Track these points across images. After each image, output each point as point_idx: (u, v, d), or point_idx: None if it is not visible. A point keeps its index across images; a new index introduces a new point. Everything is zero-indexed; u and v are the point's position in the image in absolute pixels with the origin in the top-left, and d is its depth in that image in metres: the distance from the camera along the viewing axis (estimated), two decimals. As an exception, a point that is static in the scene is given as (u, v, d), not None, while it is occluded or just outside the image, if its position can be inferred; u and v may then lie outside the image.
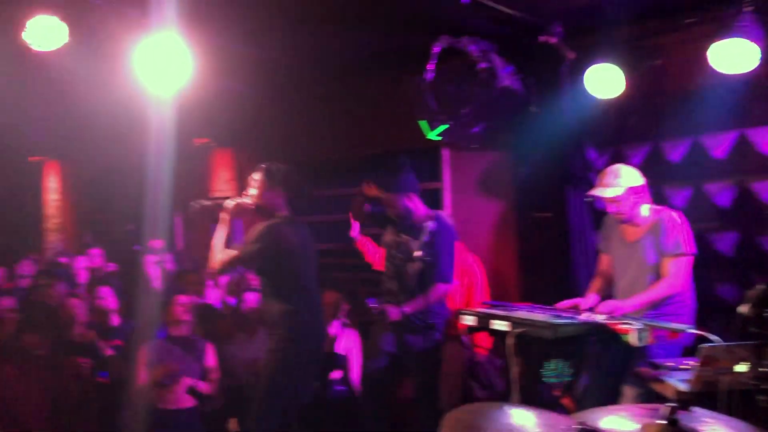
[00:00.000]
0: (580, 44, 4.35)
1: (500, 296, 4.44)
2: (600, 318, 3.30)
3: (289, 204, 3.77)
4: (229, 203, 3.77)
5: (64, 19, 3.97)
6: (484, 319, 3.45)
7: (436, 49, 4.19)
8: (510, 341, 3.18)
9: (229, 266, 3.73)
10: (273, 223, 3.67)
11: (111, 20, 4.22)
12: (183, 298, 4.39)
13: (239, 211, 3.77)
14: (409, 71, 4.51)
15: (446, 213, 5.34)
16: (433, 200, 5.36)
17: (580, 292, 3.89)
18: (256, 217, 3.81)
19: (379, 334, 4.21)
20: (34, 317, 4.11)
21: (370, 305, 4.17)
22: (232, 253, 3.65)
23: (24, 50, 4.09)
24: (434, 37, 4.23)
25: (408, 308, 3.98)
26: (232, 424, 5.04)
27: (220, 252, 3.67)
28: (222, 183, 7.28)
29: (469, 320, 3.55)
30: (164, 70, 4.38)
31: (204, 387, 4.21)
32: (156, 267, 5.69)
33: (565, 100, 4.37)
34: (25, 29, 4.01)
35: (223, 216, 3.74)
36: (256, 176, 3.80)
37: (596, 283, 3.86)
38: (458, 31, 4.17)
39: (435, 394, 4.17)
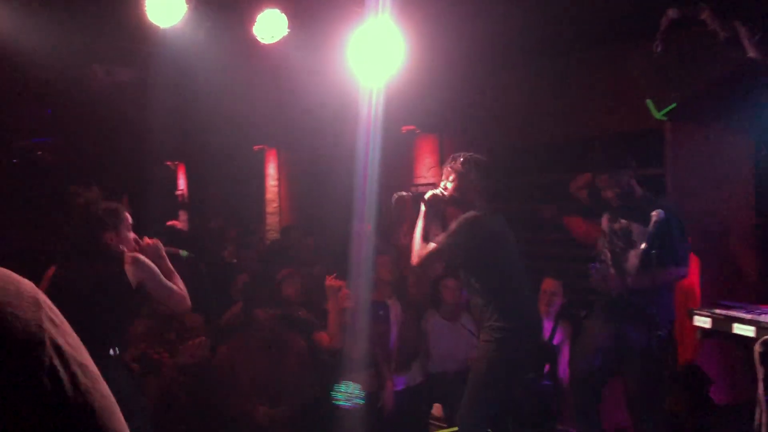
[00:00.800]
0: None
1: (734, 298, 3.92)
2: None
3: (485, 194, 3.62)
4: (426, 195, 3.73)
5: (284, 10, 4.17)
6: (723, 322, 3.05)
7: (665, 20, 3.78)
8: (758, 349, 2.77)
9: (427, 260, 3.66)
10: (469, 215, 3.56)
11: (327, 9, 4.36)
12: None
13: (436, 202, 3.71)
14: (633, 45, 4.13)
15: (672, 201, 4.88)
16: (655, 188, 4.91)
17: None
18: (456, 209, 3.72)
19: (594, 328, 3.94)
20: (260, 294, 4.38)
21: (592, 270, 3.89)
22: (431, 246, 3.59)
23: (253, 43, 4.38)
24: (660, 9, 3.81)
25: (632, 281, 3.65)
26: (436, 409, 5.06)
27: (418, 246, 3.64)
28: (426, 170, 7.32)
29: (702, 321, 3.16)
30: (377, 58, 4.47)
31: None
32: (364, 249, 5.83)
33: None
34: (255, 23, 4.27)
35: (422, 208, 3.72)
36: (450, 167, 3.71)
37: None
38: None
39: (657, 399, 3.82)
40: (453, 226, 3.58)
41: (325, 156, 8.04)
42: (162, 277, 3.17)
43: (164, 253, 3.34)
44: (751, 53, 3.58)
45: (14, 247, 6.61)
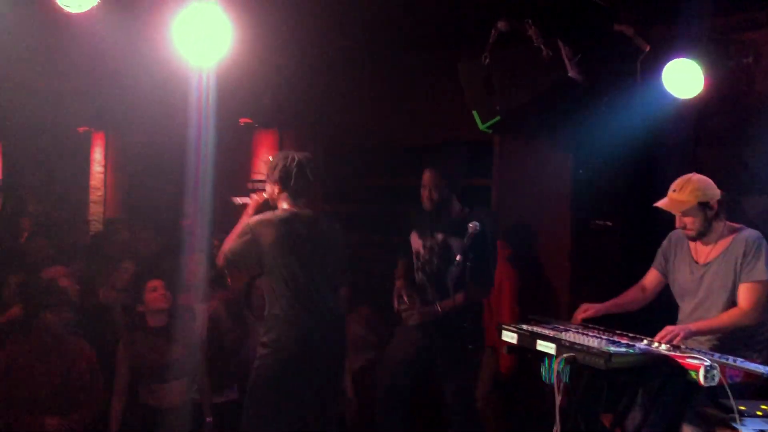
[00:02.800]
0: (658, 36, 3.89)
1: (547, 311, 4.03)
2: (663, 349, 2.88)
3: (296, 195, 3.43)
4: (247, 200, 3.61)
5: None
6: (527, 338, 3.06)
7: (494, 31, 3.79)
8: (556, 367, 2.78)
9: (221, 259, 3.43)
10: (258, 219, 3.37)
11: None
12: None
13: (258, 207, 3.54)
14: (464, 55, 4.12)
15: (493, 212, 4.98)
16: (481, 198, 4.99)
17: (639, 313, 3.47)
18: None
19: (404, 341, 3.92)
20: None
21: (398, 303, 3.87)
22: (224, 246, 3.42)
23: (57, 10, 3.87)
24: (494, 18, 3.83)
25: (439, 308, 3.74)
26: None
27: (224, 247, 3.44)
28: (264, 165, 7.03)
29: (509, 337, 3.16)
30: (205, 40, 4.14)
31: None
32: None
33: (637, 97, 3.92)
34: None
35: (247, 211, 3.55)
36: (265, 169, 3.52)
37: (627, 295, 3.49)
38: (522, 13, 3.76)
39: (472, 406, 3.90)
40: (238, 228, 3.39)
41: (157, 143, 7.51)
42: None
43: None
44: (571, 72, 3.68)
45: None
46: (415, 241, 3.99)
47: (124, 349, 4.05)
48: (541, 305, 4.39)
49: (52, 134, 8.88)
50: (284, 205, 3.44)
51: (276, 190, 3.44)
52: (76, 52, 5.06)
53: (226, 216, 5.56)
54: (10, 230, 7.17)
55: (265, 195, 3.55)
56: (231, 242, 3.38)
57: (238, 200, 3.71)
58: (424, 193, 3.91)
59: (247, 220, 3.42)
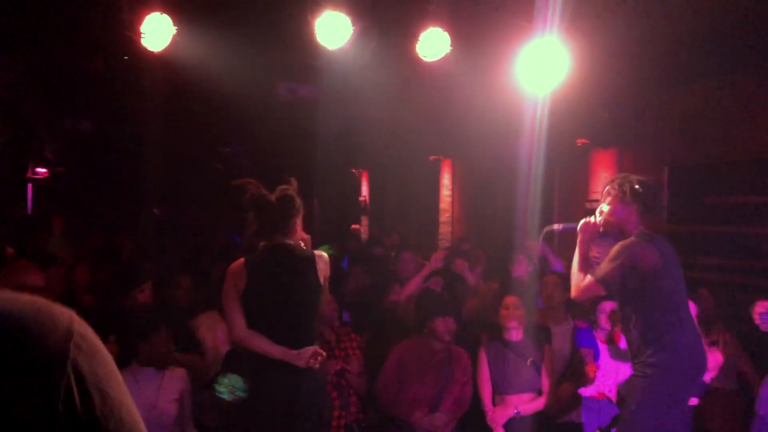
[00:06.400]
0: None
1: None
2: None
3: (645, 218, 3.33)
4: (579, 224, 3.52)
5: (446, 29, 4.23)
6: None
7: None
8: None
9: (586, 292, 3.44)
10: (627, 243, 3.30)
11: (490, 26, 4.35)
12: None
13: (590, 230, 3.46)
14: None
15: None
16: None
17: None
18: (617, 237, 3.46)
19: None
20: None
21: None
22: (588, 278, 3.36)
23: (416, 61, 4.49)
24: None
25: None
26: None
27: (576, 277, 3.44)
28: (602, 185, 6.98)
29: None
30: (545, 72, 4.39)
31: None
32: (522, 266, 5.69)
33: None
34: (418, 41, 4.38)
35: (581, 238, 3.46)
36: (607, 191, 3.44)
37: None
38: None
39: None
40: (611, 254, 3.35)
41: (498, 167, 8.00)
42: None
43: None
44: None
45: (220, 243, 7.38)
46: None
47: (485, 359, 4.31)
48: None
49: (408, 162, 10.06)
50: (640, 229, 3.36)
51: (629, 213, 3.37)
52: (430, 91, 5.73)
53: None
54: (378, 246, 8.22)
55: (597, 218, 3.52)
56: (602, 267, 3.33)
57: (557, 227, 3.65)
58: None
59: (615, 247, 3.39)
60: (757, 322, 3.83)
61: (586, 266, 3.42)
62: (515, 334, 4.22)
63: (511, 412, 4.08)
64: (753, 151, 5.24)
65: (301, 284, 3.14)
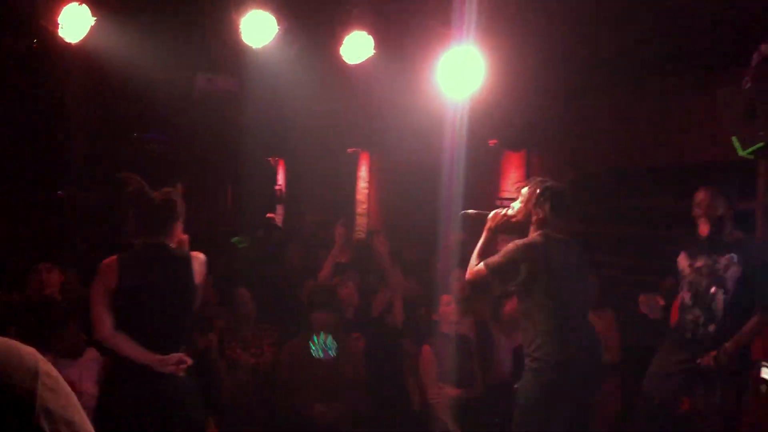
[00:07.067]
0: None
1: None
2: None
3: (553, 221, 3.52)
4: (490, 214, 3.66)
5: (370, 32, 4.34)
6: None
7: (756, 55, 3.63)
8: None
9: (474, 279, 3.60)
10: (522, 241, 3.48)
11: (413, 31, 4.49)
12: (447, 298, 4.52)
13: (502, 223, 3.64)
14: (721, 76, 4.00)
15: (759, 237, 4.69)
16: (743, 223, 4.72)
17: None
18: (520, 232, 3.66)
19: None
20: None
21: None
22: (480, 266, 3.53)
23: (340, 62, 4.58)
24: (755, 40, 3.67)
25: (730, 347, 3.59)
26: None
27: (473, 262, 3.59)
28: (511, 184, 7.32)
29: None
30: (463, 76, 4.58)
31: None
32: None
33: None
34: (342, 44, 4.47)
35: (488, 226, 3.66)
36: (523, 190, 3.66)
37: None
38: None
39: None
40: (506, 247, 3.53)
41: (414, 163, 8.19)
42: None
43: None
44: None
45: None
46: (682, 261, 3.92)
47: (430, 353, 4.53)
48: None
49: (327, 153, 10.10)
50: (541, 229, 3.52)
51: (534, 215, 3.57)
52: (353, 89, 5.83)
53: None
54: (292, 239, 8.26)
55: (509, 212, 3.65)
56: (495, 257, 3.52)
57: (472, 212, 3.81)
58: (699, 212, 3.82)
59: (511, 243, 3.59)
60: (644, 311, 4.19)
61: (485, 254, 3.61)
62: (449, 328, 4.49)
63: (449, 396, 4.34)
64: (651, 159, 5.67)
65: (174, 286, 3.07)
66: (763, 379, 3.10)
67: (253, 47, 4.23)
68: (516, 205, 3.64)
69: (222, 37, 4.50)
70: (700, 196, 3.84)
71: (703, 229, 3.83)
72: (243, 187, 12.70)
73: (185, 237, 3.28)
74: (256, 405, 4.30)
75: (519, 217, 3.61)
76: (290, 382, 4.19)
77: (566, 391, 3.37)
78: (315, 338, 3.52)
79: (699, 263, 3.81)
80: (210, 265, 3.30)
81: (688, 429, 3.94)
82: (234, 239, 8.80)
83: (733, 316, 3.67)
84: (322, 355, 3.58)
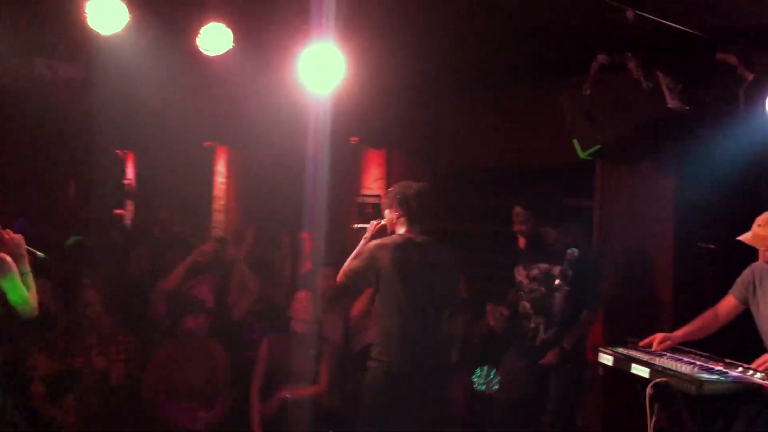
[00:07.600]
0: (762, 64, 3.89)
1: (649, 334, 4.13)
2: (758, 377, 2.96)
3: (412, 222, 3.70)
4: (366, 226, 3.90)
5: (229, 25, 4.21)
6: (623, 361, 3.22)
7: (594, 64, 3.95)
8: (649, 391, 2.94)
9: (340, 281, 3.76)
10: (378, 242, 3.66)
11: (273, 26, 4.41)
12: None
13: (378, 231, 3.83)
14: (565, 85, 4.30)
15: (596, 233, 5.11)
16: (583, 219, 5.11)
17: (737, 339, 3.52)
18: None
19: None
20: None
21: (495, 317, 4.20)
22: (342, 270, 3.74)
23: (197, 54, 4.40)
24: (594, 50, 3.99)
25: (568, 344, 4.05)
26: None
27: (346, 263, 3.75)
28: (372, 181, 7.43)
29: (606, 359, 3.34)
30: (324, 73, 4.57)
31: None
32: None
33: (740, 125, 3.94)
34: (199, 35, 4.29)
35: (366, 235, 3.85)
36: (386, 198, 3.82)
37: (700, 322, 3.51)
38: (621, 45, 3.90)
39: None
40: (356, 251, 3.71)
41: (275, 158, 8.07)
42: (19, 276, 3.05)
43: (25, 251, 3.17)
44: (671, 103, 3.78)
45: None
46: (519, 273, 4.27)
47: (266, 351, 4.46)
48: (643, 328, 4.47)
49: (181, 147, 9.68)
50: (401, 231, 3.72)
51: (394, 217, 3.73)
52: (210, 81, 5.63)
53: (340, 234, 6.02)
54: (143, 238, 7.87)
55: (383, 221, 3.86)
56: (351, 262, 3.70)
57: (357, 226, 4.01)
58: (516, 228, 4.27)
59: (367, 243, 3.73)
60: (491, 323, 4.49)
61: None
62: (301, 326, 4.48)
63: (279, 401, 4.33)
64: (503, 160, 5.99)
65: None
66: (601, 364, 3.37)
67: (102, 34, 3.96)
68: (387, 213, 3.82)
69: (66, 22, 4.17)
70: (514, 213, 4.29)
71: (521, 242, 4.34)
72: (88, 182, 11.89)
73: (17, 236, 3.11)
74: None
75: (387, 223, 3.80)
76: (158, 390, 4.11)
77: (399, 392, 3.50)
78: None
79: (534, 272, 4.19)
80: (49, 265, 3.10)
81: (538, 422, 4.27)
82: (69, 240, 8.19)
83: (570, 317, 4.11)
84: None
